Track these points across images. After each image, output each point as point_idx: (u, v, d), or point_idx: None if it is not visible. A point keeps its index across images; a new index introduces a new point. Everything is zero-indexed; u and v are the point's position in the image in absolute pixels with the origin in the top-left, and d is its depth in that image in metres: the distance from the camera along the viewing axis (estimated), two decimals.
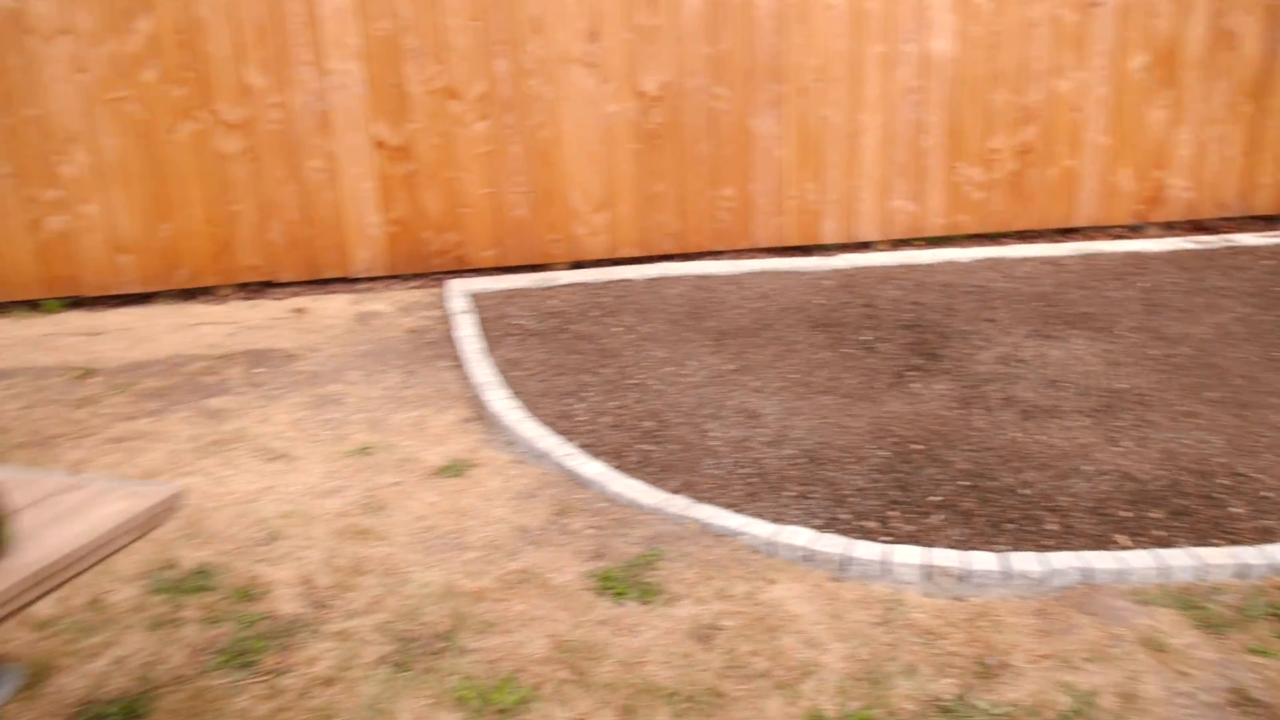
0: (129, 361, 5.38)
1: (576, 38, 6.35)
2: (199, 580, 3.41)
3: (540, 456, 4.11)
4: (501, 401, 4.55)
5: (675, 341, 5.24)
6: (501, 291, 6.18)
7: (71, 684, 2.93)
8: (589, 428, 4.33)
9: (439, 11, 6.26)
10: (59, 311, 6.46)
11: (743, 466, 3.96)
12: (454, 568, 3.39)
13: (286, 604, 3.28)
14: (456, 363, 5.15)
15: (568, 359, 5.09)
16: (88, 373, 5.31)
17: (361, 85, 6.34)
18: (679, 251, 6.77)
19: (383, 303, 6.20)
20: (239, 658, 3.04)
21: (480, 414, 4.59)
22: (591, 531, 3.56)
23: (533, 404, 4.57)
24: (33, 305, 6.55)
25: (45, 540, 2.00)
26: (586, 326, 5.53)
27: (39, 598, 1.93)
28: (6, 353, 5.71)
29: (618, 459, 4.05)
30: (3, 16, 6.12)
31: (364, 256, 6.58)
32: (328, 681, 2.95)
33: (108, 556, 2.07)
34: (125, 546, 2.13)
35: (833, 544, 3.39)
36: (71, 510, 2.12)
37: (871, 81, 6.71)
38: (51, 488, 2.22)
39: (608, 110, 6.48)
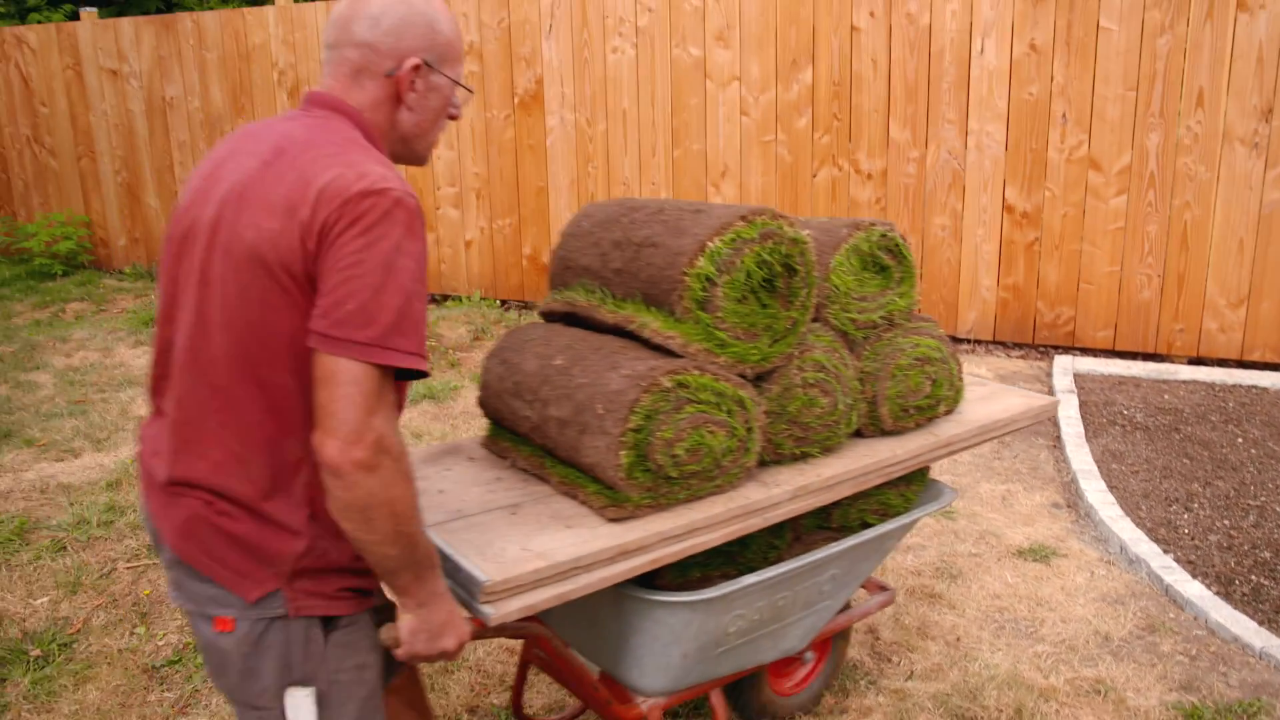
0: None
1: (1244, 115, 5.84)
2: None
3: (1133, 562, 3.84)
4: (1097, 494, 4.31)
5: None
6: (1111, 376, 5.85)
7: None
8: (1193, 543, 3.97)
9: (1094, 79, 6.07)
10: None
11: None
12: (1023, 657, 3.27)
13: (850, 648, 3.36)
14: (1053, 443, 4.96)
15: (1177, 462, 4.70)
16: None
17: (999, 148, 6.32)
18: None
19: (983, 367, 6.14)
20: None
21: (1071, 502, 4.39)
22: (1182, 658, 3.26)
23: (1131, 504, 4.28)
24: None
25: (976, 411, 2.80)
26: (1203, 430, 5.06)
27: (969, 448, 2.75)
28: None
29: (1223, 586, 3.67)
30: (692, 64, 6.91)
31: (971, 317, 6.56)
32: None
33: (1009, 433, 2.92)
34: (1018, 430, 2.89)
35: None
36: (984, 398, 2.91)
37: None
38: (966, 380, 3.04)
39: (1269, 197, 5.88)
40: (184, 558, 1.69)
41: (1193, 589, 3.60)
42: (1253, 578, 3.73)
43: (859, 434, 2.58)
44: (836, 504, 2.64)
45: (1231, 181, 5.94)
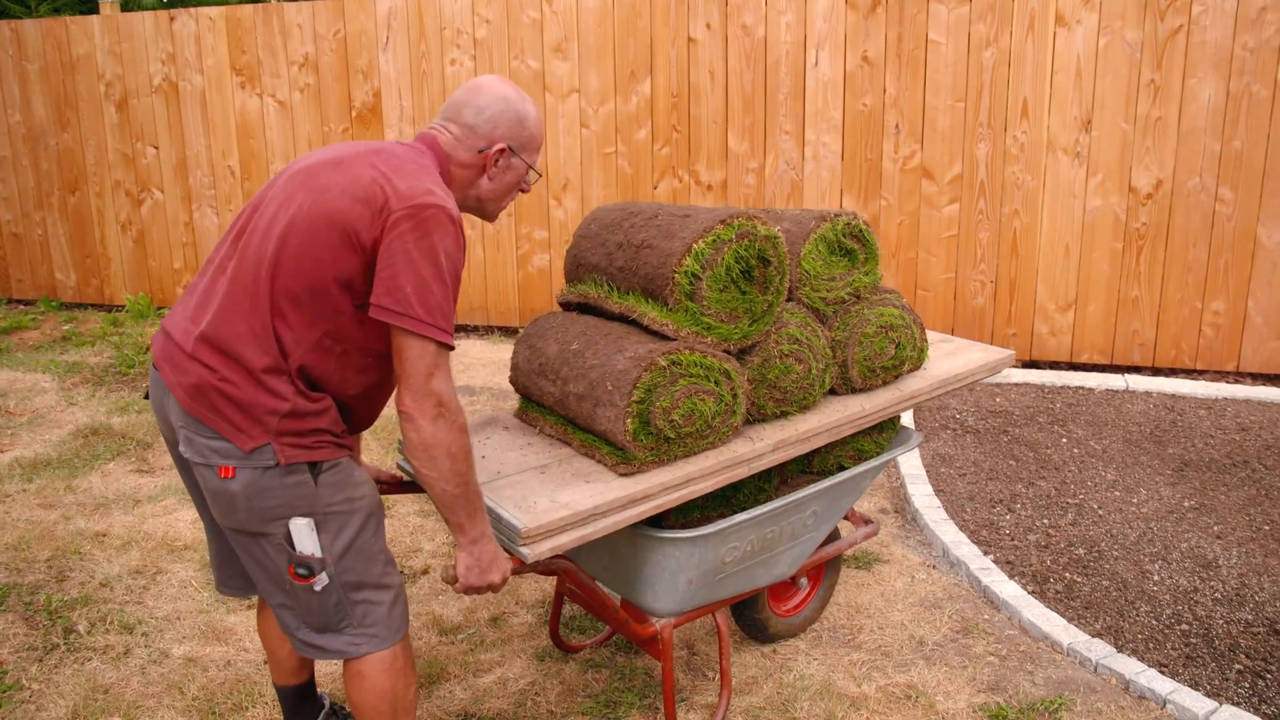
0: None
1: (1067, 126, 6.01)
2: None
3: (954, 565, 3.87)
4: (924, 498, 4.34)
5: (1128, 464, 4.76)
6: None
7: (456, 693, 3.13)
8: (1013, 544, 4.02)
9: (925, 90, 6.18)
10: None
11: (1184, 622, 3.48)
12: (838, 665, 3.25)
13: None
14: None
15: (1003, 464, 4.78)
16: None
17: (836, 158, 6.39)
18: (1147, 364, 6.18)
19: None
20: (608, 709, 3.09)
21: (899, 507, 4.42)
22: (993, 659, 3.28)
23: (956, 507, 4.33)
24: (510, 332, 7.22)
25: (939, 366, 3.20)
26: (1031, 432, 5.17)
27: (932, 399, 3.19)
28: (479, 371, 6.31)
29: (1038, 584, 3.72)
30: (531, 76, 6.83)
31: None
32: None
33: (971, 384, 3.28)
34: (980, 380, 3.28)
35: None
36: (947, 354, 3.32)
37: None
38: (932, 336, 3.51)
39: (1090, 204, 6.06)
40: (192, 413, 2.13)
41: (1008, 589, 3.64)
42: (1066, 575, 3.79)
43: (834, 392, 2.98)
44: (816, 452, 3.05)
45: (1056, 190, 6.11)
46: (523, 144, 2.37)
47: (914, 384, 3.08)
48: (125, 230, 8.10)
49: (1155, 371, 6.19)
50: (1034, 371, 6.13)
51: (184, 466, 2.32)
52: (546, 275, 7.07)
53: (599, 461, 2.59)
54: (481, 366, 6.44)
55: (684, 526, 2.84)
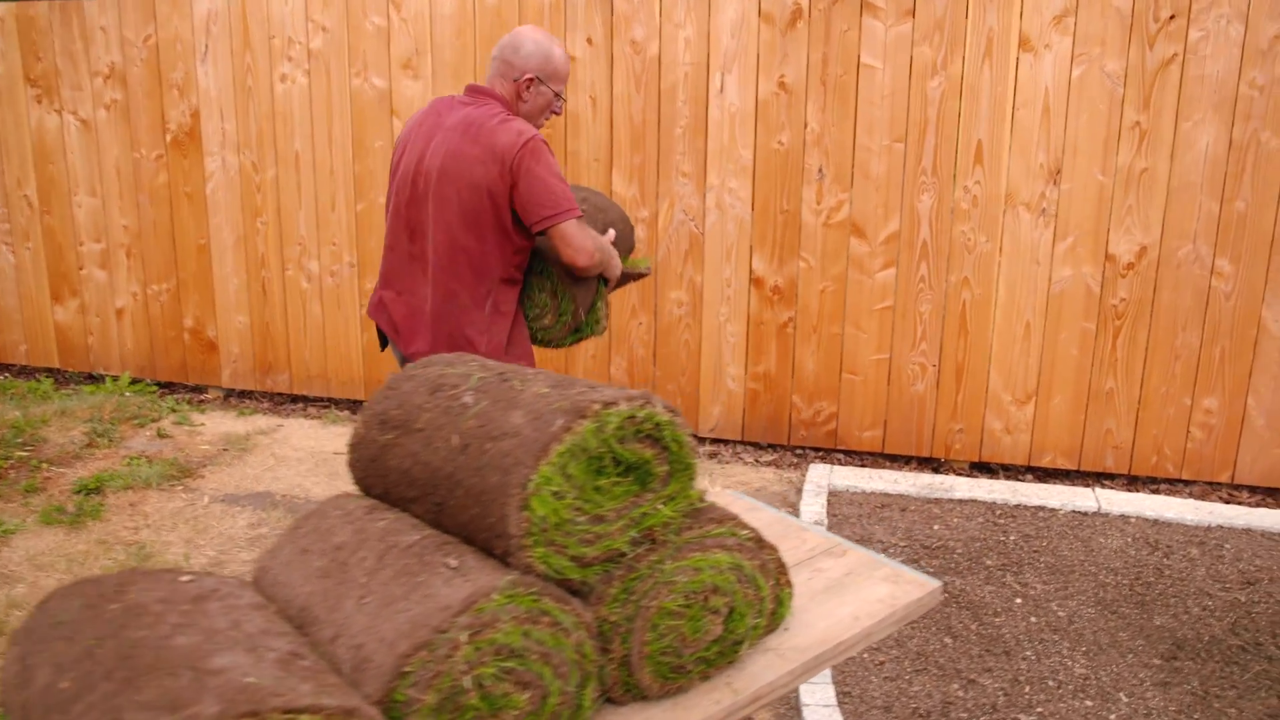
0: None
1: (1031, 176, 4.81)
2: None
3: None
4: (820, 711, 3.10)
5: (1102, 645, 3.55)
6: (874, 495, 4.72)
7: None
8: None
9: (855, 126, 4.96)
10: None
11: None
12: None
13: None
14: None
15: (936, 641, 3.55)
16: None
17: (745, 207, 5.16)
18: (1122, 471, 4.98)
19: (723, 479, 4.93)
20: None
21: (787, 718, 3.18)
22: None
23: None
24: (355, 405, 5.95)
25: (811, 625, 1.90)
26: (975, 584, 3.94)
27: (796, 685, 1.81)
28: (288, 470, 5.02)
29: None
30: (376, 97, 5.60)
31: (715, 413, 5.37)
32: None
33: (865, 648, 2.07)
34: (881, 638, 2.06)
35: None
36: (832, 586, 2.06)
37: None
38: (816, 544, 2.25)
39: (1058, 274, 4.86)
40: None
41: None
42: None
43: (612, 702, 1.66)
44: None
45: (1016, 255, 4.90)
46: (548, 74, 3.08)
47: (762, 673, 1.75)
48: None
49: (1131, 481, 5.00)
50: (983, 483, 4.91)
51: None
52: None
53: None
54: (296, 461, 5.14)
55: None
